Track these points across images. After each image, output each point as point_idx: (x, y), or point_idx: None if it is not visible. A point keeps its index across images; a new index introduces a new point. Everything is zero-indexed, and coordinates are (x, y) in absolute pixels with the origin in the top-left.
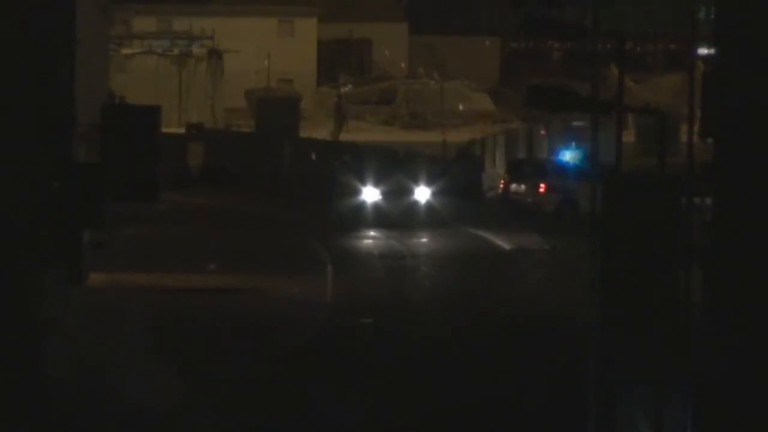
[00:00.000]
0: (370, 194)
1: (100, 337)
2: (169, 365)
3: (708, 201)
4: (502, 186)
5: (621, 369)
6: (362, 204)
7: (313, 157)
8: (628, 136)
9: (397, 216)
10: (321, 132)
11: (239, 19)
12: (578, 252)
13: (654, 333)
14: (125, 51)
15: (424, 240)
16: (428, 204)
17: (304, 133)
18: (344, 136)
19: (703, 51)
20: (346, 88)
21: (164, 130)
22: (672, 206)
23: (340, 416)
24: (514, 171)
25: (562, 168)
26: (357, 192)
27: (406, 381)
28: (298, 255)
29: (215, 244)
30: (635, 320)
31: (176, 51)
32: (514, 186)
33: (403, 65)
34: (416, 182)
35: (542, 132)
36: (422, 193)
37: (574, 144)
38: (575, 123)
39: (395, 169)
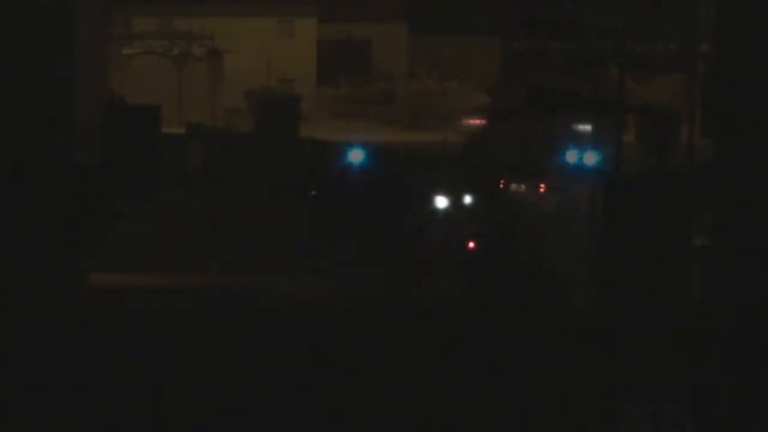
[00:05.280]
0: None
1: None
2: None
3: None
4: (502, 185)
5: (621, 369)
6: None
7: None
8: (628, 136)
9: None
10: (321, 132)
11: (239, 19)
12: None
13: (654, 333)
14: (125, 51)
15: None
16: None
17: (304, 133)
18: (345, 136)
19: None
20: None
21: (164, 130)
22: (673, 206)
23: None
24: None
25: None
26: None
27: None
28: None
29: (212, 245)
30: (636, 320)
31: (176, 51)
32: (514, 186)
33: (402, 65)
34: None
35: None
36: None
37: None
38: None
39: None
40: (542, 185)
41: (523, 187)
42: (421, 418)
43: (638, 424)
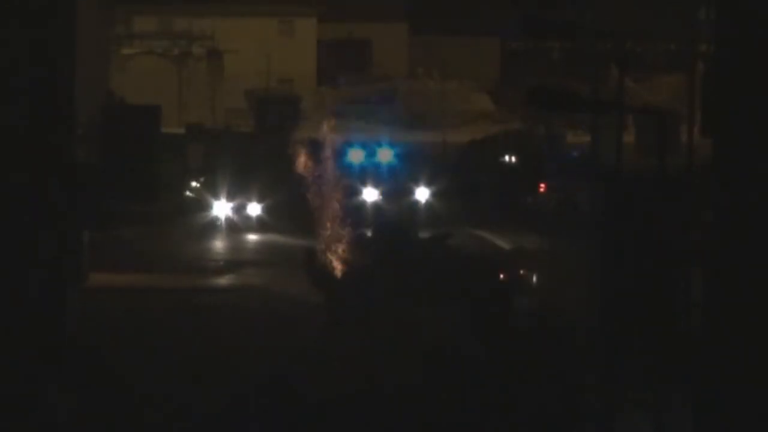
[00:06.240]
0: None
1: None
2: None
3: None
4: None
5: (621, 369)
6: None
7: None
8: (628, 136)
9: None
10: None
11: (239, 19)
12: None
13: (654, 334)
14: (125, 51)
15: None
16: None
17: (304, 133)
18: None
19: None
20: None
21: (164, 130)
22: (673, 206)
23: None
24: None
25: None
26: None
27: None
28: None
29: (211, 245)
30: (636, 321)
31: (176, 51)
32: None
33: (402, 65)
34: None
35: None
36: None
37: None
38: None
39: None
40: (542, 185)
41: None
42: None
43: (638, 424)
